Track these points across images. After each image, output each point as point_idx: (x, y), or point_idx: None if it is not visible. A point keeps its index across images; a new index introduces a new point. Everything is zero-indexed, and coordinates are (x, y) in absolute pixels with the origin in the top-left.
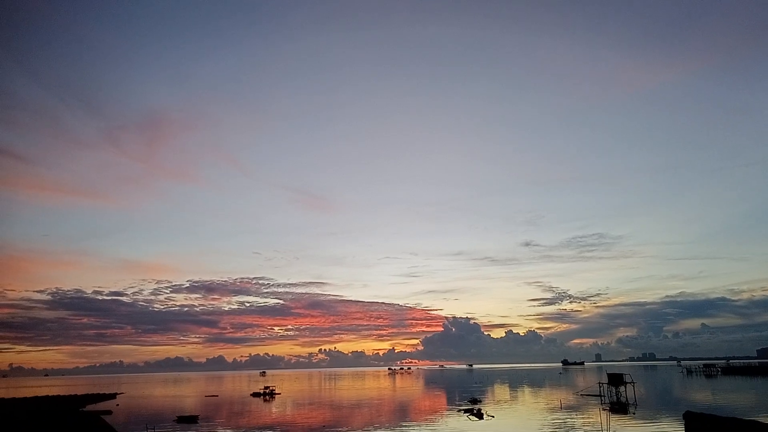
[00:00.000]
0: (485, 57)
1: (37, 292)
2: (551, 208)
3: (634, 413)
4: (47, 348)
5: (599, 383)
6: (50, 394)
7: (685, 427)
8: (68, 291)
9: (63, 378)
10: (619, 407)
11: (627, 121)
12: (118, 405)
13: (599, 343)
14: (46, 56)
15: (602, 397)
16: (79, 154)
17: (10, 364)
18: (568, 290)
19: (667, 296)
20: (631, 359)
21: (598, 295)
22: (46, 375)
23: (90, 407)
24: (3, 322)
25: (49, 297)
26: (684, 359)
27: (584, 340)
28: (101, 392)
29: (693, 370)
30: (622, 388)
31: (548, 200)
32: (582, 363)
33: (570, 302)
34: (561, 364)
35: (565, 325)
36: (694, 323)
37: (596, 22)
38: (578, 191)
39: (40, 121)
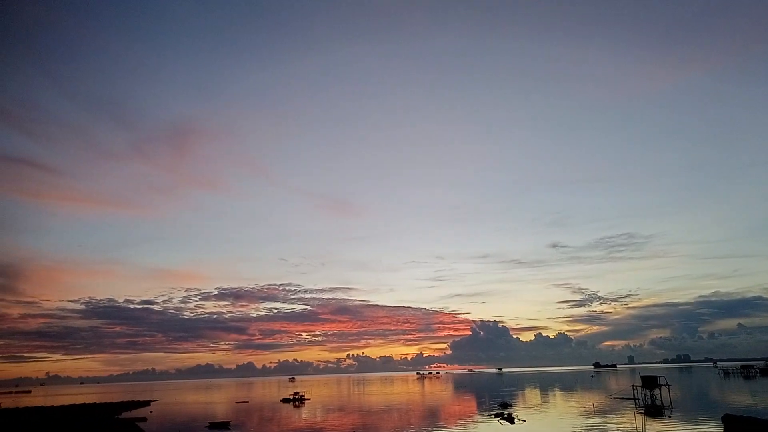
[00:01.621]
0: (508, 60)
1: (71, 301)
2: (578, 208)
3: (669, 416)
4: (82, 356)
5: (633, 386)
6: (87, 402)
7: (724, 430)
8: (101, 300)
9: (98, 386)
10: (654, 410)
11: (655, 119)
12: (151, 412)
13: (631, 345)
14: (77, 72)
15: (636, 400)
16: (109, 165)
17: (47, 373)
18: (597, 292)
19: (701, 296)
20: (665, 361)
21: (629, 296)
22: (82, 383)
23: (125, 414)
24: (39, 332)
25: (82, 306)
26: (720, 360)
27: (616, 342)
28: (135, 400)
29: (730, 371)
30: (656, 391)
31: (575, 201)
32: (614, 365)
33: (600, 304)
34: (592, 366)
35: (595, 327)
36: (730, 323)
37: (620, 19)
38: (606, 191)
39: (71, 134)
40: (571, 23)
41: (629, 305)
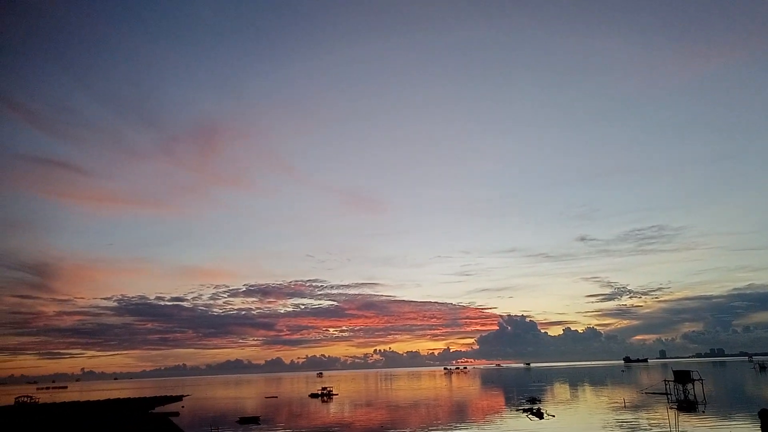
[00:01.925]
0: (533, 53)
1: (104, 299)
2: (606, 201)
3: (703, 411)
4: (116, 353)
5: (665, 381)
6: (121, 397)
7: (761, 426)
8: (133, 297)
9: (131, 381)
10: (687, 405)
11: (682, 109)
12: (183, 407)
13: (663, 339)
14: (106, 74)
15: (669, 395)
16: (137, 165)
17: (82, 369)
18: (627, 285)
19: (734, 289)
20: (698, 355)
21: (660, 289)
22: (116, 378)
23: (158, 409)
24: (74, 329)
25: (115, 304)
26: (756, 354)
27: (647, 337)
28: (168, 395)
29: (767, 365)
30: (689, 386)
31: (603, 193)
32: (645, 360)
33: (630, 297)
34: (623, 361)
35: (625, 322)
36: (765, 316)
37: (646, 8)
38: (634, 183)
39: (101, 135)
40: (596, 13)
41: (660, 299)
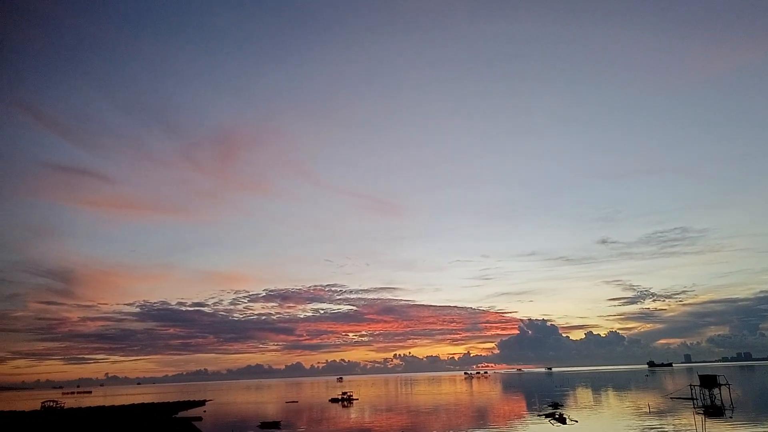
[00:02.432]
0: (550, 52)
1: (127, 305)
2: (627, 202)
3: (731, 417)
4: (138, 358)
5: (690, 385)
6: (145, 402)
7: None
8: (155, 303)
9: (154, 386)
10: (714, 411)
11: (707, 108)
12: (205, 411)
13: (688, 343)
14: (128, 84)
15: (694, 400)
16: (159, 172)
17: (106, 374)
18: (650, 288)
19: (761, 291)
20: (725, 359)
21: (683, 292)
22: (139, 383)
23: (181, 414)
24: (98, 334)
25: (138, 309)
26: None
27: (671, 341)
28: (191, 399)
29: None
30: (716, 391)
31: (624, 195)
32: (670, 364)
33: (653, 301)
34: (647, 365)
35: (649, 325)
36: None
37: (670, 4)
38: (656, 184)
39: (124, 144)
40: (619, 11)
41: (684, 302)
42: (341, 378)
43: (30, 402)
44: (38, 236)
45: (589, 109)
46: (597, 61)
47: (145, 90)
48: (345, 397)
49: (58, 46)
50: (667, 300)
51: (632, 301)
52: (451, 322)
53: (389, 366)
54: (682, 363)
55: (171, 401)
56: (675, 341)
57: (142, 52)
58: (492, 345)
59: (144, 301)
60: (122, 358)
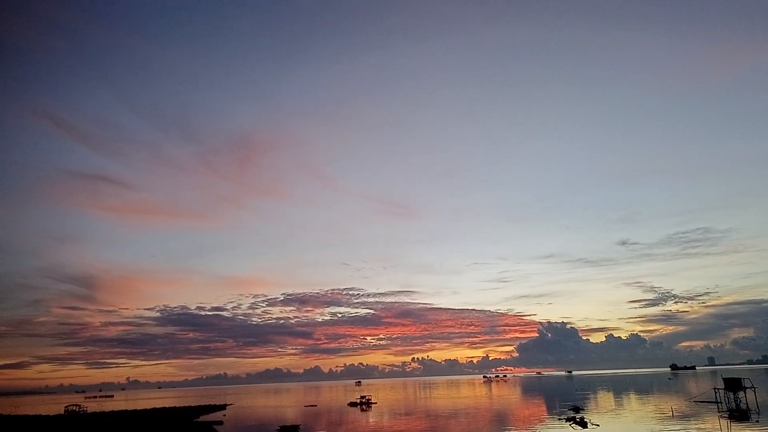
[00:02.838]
0: (569, 52)
1: (147, 309)
2: (648, 203)
3: (757, 421)
4: (159, 362)
5: (714, 389)
6: (167, 406)
7: None
8: (174, 308)
9: (174, 390)
10: (739, 415)
11: (730, 105)
12: (224, 415)
13: (711, 345)
14: (147, 90)
15: (719, 404)
16: (177, 178)
17: (128, 378)
18: (672, 290)
19: None
20: (750, 362)
21: (706, 294)
22: (159, 387)
23: (203, 418)
24: (119, 339)
25: (158, 314)
26: None
27: (694, 343)
28: (213, 404)
29: None
30: (740, 394)
31: (644, 195)
32: (693, 367)
33: (675, 303)
34: (669, 368)
35: (671, 328)
36: None
37: (682, 5)
38: (677, 184)
39: (143, 150)
40: (635, 7)
41: (707, 303)
42: (359, 382)
43: (54, 406)
44: (60, 242)
45: (608, 108)
46: (618, 61)
47: (164, 96)
48: (364, 401)
49: (78, 54)
50: (689, 302)
51: (653, 303)
52: (470, 325)
53: (407, 369)
54: (705, 366)
55: (192, 405)
56: (698, 344)
57: (160, 59)
58: (511, 348)
59: (164, 305)
60: (143, 363)
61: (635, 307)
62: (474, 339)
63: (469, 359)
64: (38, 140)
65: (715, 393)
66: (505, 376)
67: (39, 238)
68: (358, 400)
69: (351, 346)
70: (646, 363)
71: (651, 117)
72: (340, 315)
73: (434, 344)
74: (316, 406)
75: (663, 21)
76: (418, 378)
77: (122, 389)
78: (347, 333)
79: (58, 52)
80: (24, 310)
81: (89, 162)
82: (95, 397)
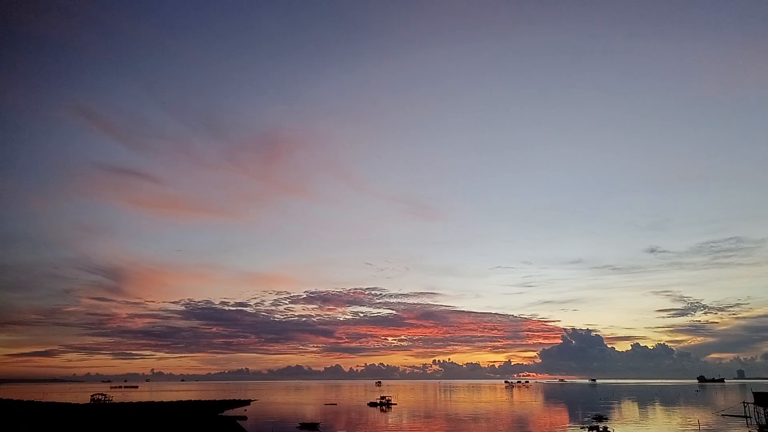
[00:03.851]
0: (600, 55)
1: (173, 303)
2: (679, 210)
3: None
4: (183, 355)
5: (744, 403)
6: (192, 399)
7: None
8: (199, 302)
9: (197, 383)
10: None
11: (762, 114)
12: (245, 410)
13: (741, 358)
14: (176, 87)
15: (748, 419)
16: (205, 174)
17: (152, 369)
18: (701, 300)
19: None
20: None
21: (737, 305)
22: (182, 380)
23: (227, 412)
24: (145, 331)
25: (183, 308)
26: None
27: (723, 355)
28: (233, 398)
29: None
30: None
31: (675, 202)
32: (722, 380)
33: (705, 313)
34: (697, 380)
35: (700, 338)
36: None
37: (720, 9)
38: (709, 192)
39: (171, 146)
40: (669, 12)
41: (738, 315)
42: (380, 382)
43: (81, 394)
44: (90, 234)
45: (640, 113)
46: (650, 65)
47: (194, 93)
48: (383, 401)
49: (111, 51)
50: (719, 312)
51: (682, 313)
52: (492, 330)
53: (428, 372)
54: (734, 379)
55: (218, 400)
56: (727, 356)
57: (191, 57)
58: (534, 354)
59: (189, 299)
60: (167, 355)
61: (663, 317)
62: (496, 343)
63: (491, 363)
64: (72, 134)
65: (745, 407)
66: (527, 381)
67: (70, 230)
68: (378, 401)
69: (372, 346)
70: (673, 374)
71: (684, 122)
72: (362, 314)
73: (456, 347)
74: (336, 404)
75: (700, 26)
76: (438, 381)
77: (147, 380)
78: (369, 333)
79: (93, 48)
80: (54, 299)
81: (120, 156)
82: (120, 387)
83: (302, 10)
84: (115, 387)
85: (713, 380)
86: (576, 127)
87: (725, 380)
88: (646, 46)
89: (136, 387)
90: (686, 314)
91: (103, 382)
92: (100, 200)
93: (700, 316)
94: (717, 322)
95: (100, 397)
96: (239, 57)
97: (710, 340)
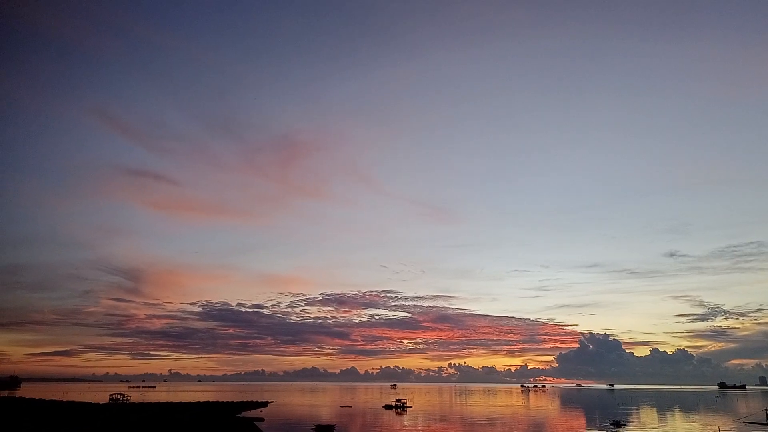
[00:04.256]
0: (620, 57)
1: (190, 304)
2: (699, 214)
3: None
4: (200, 356)
5: (765, 410)
6: (209, 400)
7: None
8: (216, 303)
9: (213, 384)
10: None
11: None
12: (261, 411)
13: (764, 364)
14: (194, 90)
15: None
16: (223, 176)
17: (170, 370)
18: (722, 305)
19: None
20: None
21: (759, 310)
22: (199, 381)
23: (245, 413)
24: (163, 332)
25: (200, 309)
26: None
27: (745, 361)
28: (250, 400)
29: None
30: None
31: (695, 206)
32: (743, 386)
33: (726, 318)
34: (717, 387)
35: (720, 344)
36: None
37: (736, 13)
38: (731, 195)
39: (190, 148)
40: (689, 15)
41: (760, 320)
42: (395, 385)
43: (99, 394)
44: (110, 235)
45: (659, 115)
46: (669, 68)
47: (211, 96)
48: (399, 404)
49: (130, 54)
50: (740, 318)
51: (702, 318)
52: (508, 333)
53: (444, 375)
54: (756, 386)
55: (235, 401)
56: (749, 362)
57: (208, 60)
58: (550, 358)
59: (206, 301)
60: (184, 356)
61: (682, 322)
62: (512, 347)
63: (507, 367)
64: (92, 136)
65: (767, 414)
66: (543, 386)
67: (90, 231)
68: (394, 403)
69: (387, 349)
70: (693, 380)
71: (706, 124)
72: (377, 317)
73: (471, 351)
74: (351, 407)
75: (719, 28)
76: (454, 384)
77: (164, 381)
78: (384, 335)
79: (112, 52)
80: (74, 300)
81: (139, 158)
82: (138, 387)
83: (320, 12)
84: (134, 387)
85: (734, 387)
86: (594, 129)
87: (746, 387)
88: (665, 47)
89: (154, 387)
90: (706, 319)
91: (121, 381)
92: (118, 202)
93: (720, 322)
94: (738, 328)
95: (119, 396)
96: (257, 59)
97: (731, 345)
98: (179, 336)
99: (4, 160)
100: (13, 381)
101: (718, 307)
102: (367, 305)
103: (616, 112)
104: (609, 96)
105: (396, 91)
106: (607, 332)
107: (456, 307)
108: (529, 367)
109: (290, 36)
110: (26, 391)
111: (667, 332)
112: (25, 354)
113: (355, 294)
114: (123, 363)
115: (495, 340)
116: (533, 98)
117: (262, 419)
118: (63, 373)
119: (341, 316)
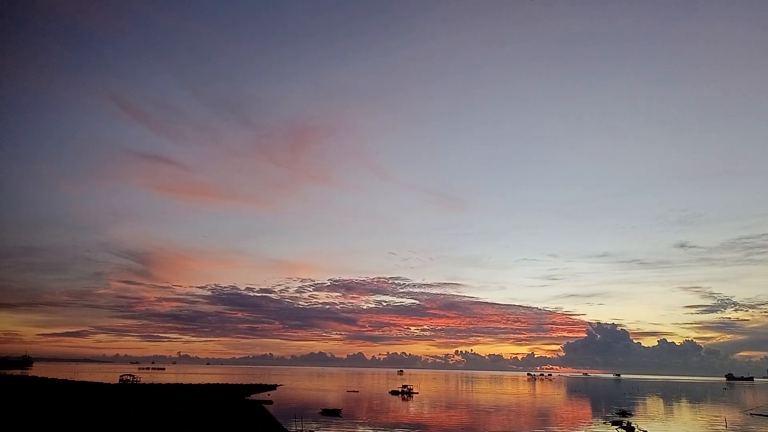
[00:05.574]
0: (631, 46)
1: (199, 288)
2: (710, 205)
3: None
4: (208, 339)
5: None
6: (218, 382)
7: None
8: (225, 287)
9: (222, 367)
10: None
11: None
12: (269, 395)
13: None
14: (207, 75)
15: None
16: (232, 161)
17: (179, 352)
18: (732, 297)
19: None
20: None
21: None
22: (208, 363)
23: (254, 396)
24: (172, 314)
25: (209, 293)
26: None
27: (753, 353)
28: (261, 383)
29: None
30: None
31: (706, 197)
32: (751, 378)
33: (735, 310)
34: (725, 378)
35: (729, 336)
36: None
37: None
38: (741, 187)
39: (201, 133)
40: (706, 6)
41: None
42: (402, 371)
43: (110, 375)
44: (121, 219)
45: (671, 105)
46: (680, 55)
47: (224, 83)
48: (405, 390)
49: (143, 39)
50: (750, 310)
51: (711, 309)
52: (516, 322)
53: (450, 362)
54: (764, 378)
55: (245, 384)
56: (758, 354)
57: (219, 44)
58: (557, 347)
59: (215, 285)
60: (193, 339)
61: (691, 313)
62: (519, 335)
63: (514, 356)
64: (104, 121)
65: None
66: (550, 375)
67: (101, 214)
68: (400, 389)
69: (395, 335)
70: (701, 371)
71: (718, 115)
72: (385, 303)
73: (478, 338)
74: (357, 392)
75: (733, 15)
76: (460, 371)
77: (173, 363)
78: (391, 322)
79: (124, 35)
80: (85, 282)
81: (150, 143)
82: (148, 368)
83: None
84: (143, 368)
85: (742, 378)
86: (605, 119)
87: (754, 379)
88: (680, 35)
89: (164, 369)
90: (716, 311)
91: (131, 363)
92: (130, 185)
93: (730, 313)
94: (747, 320)
95: (129, 377)
96: (268, 45)
97: (740, 337)
98: (188, 319)
99: (17, 145)
100: (25, 360)
101: (727, 299)
102: (374, 292)
103: (629, 101)
104: (621, 86)
105: (406, 79)
106: (615, 322)
107: (464, 294)
108: (535, 356)
109: (301, 21)
110: (38, 370)
111: (676, 323)
112: (37, 334)
113: (363, 280)
114: (133, 345)
115: (502, 329)
116: (544, 85)
117: (270, 402)
118: (74, 354)
119: (349, 302)
